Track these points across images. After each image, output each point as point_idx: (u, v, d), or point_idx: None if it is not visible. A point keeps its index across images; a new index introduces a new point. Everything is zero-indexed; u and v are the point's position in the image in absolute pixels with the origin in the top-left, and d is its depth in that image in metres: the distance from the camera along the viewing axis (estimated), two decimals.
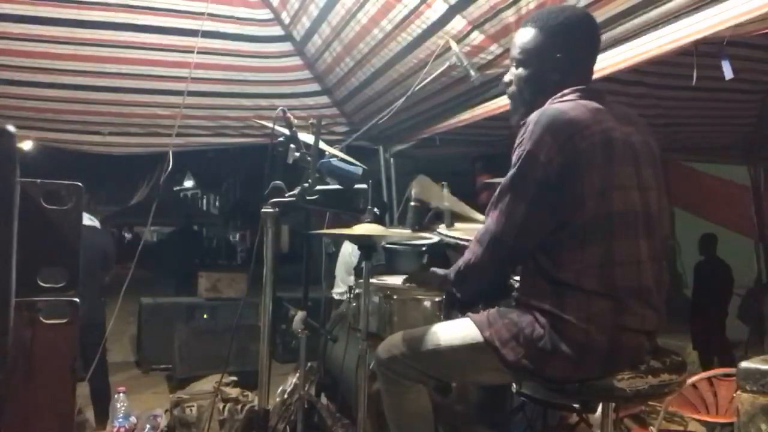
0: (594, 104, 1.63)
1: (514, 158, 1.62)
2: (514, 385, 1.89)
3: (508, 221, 1.60)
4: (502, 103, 3.24)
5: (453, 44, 2.41)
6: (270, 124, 2.22)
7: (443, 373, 1.83)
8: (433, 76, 2.43)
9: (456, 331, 1.73)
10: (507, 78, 1.83)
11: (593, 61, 1.79)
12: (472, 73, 2.39)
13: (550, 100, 1.68)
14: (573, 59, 1.71)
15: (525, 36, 1.75)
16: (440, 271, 1.89)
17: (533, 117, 1.61)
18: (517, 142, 1.63)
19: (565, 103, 1.64)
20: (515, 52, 1.77)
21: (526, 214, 1.58)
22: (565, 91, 1.67)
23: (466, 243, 1.84)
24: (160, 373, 5.86)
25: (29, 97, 3.76)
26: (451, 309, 2.13)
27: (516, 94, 1.80)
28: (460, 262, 1.74)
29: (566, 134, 1.55)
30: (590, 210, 1.55)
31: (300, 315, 2.50)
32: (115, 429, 3.41)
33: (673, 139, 4.78)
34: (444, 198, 2.35)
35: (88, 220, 3.93)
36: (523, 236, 1.61)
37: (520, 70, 1.77)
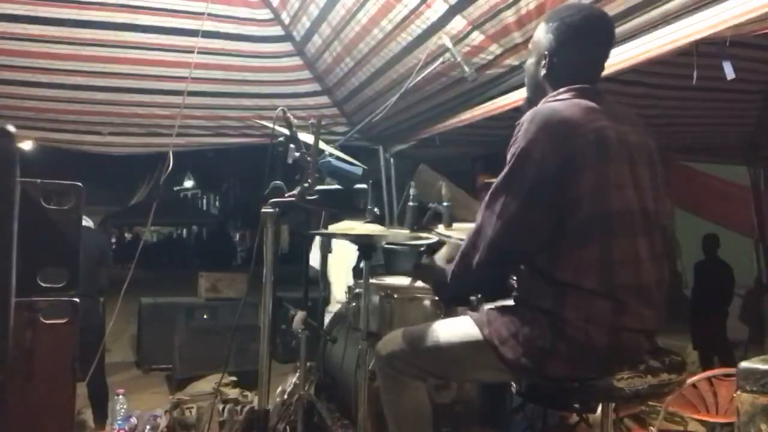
0: (588, 103, 1.63)
1: (507, 157, 1.61)
2: (514, 385, 1.89)
3: (504, 223, 1.58)
4: (502, 103, 3.24)
5: (445, 38, 2.36)
6: (270, 124, 2.22)
7: (442, 370, 1.82)
8: (427, 72, 2.41)
9: (455, 329, 1.73)
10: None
11: (600, 60, 1.76)
12: (466, 69, 2.33)
13: (544, 99, 1.69)
14: (577, 58, 1.70)
15: (538, 29, 1.78)
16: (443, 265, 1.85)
17: (527, 116, 1.61)
18: (511, 141, 1.62)
19: (558, 102, 1.64)
20: (530, 43, 1.81)
21: (522, 215, 1.57)
22: (560, 90, 1.67)
23: None
24: (160, 373, 5.86)
25: (29, 97, 3.76)
26: (448, 305, 2.13)
27: (526, 84, 1.85)
28: (455, 263, 1.71)
29: (560, 133, 1.55)
30: (587, 208, 1.54)
31: (300, 315, 2.50)
32: (115, 431, 3.42)
33: (673, 139, 4.78)
34: (443, 196, 2.31)
35: (83, 221, 3.92)
36: (519, 237, 1.59)
37: (527, 61, 1.81)
